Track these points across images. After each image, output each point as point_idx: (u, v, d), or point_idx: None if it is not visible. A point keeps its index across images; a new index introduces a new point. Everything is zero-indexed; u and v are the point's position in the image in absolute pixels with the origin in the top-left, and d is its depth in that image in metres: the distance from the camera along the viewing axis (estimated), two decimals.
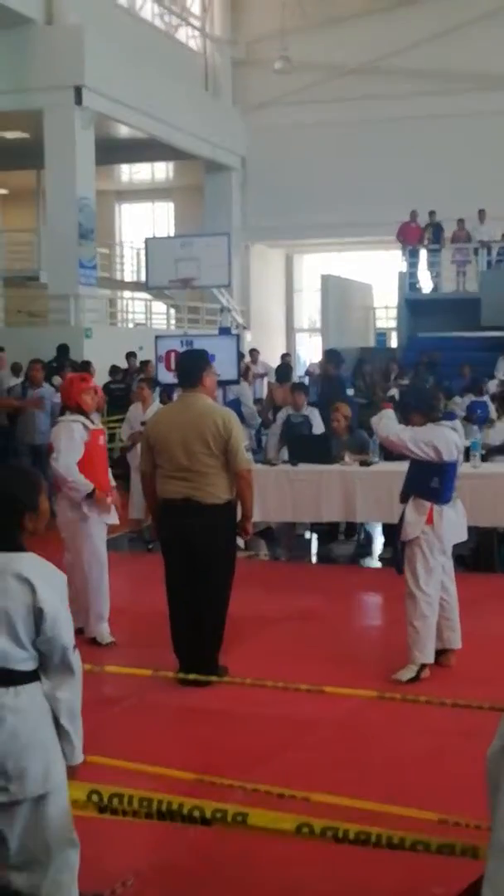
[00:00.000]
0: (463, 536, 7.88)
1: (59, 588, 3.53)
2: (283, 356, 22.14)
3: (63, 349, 18.34)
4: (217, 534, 7.06)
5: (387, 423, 7.38)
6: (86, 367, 17.01)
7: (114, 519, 8.30)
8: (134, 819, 3.77)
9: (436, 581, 7.35)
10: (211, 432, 6.93)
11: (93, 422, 8.16)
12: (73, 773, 3.63)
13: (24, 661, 3.46)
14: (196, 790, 4.52)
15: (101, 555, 8.13)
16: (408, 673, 7.26)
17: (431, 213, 25.28)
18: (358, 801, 4.37)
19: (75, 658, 3.54)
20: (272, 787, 4.46)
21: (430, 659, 7.34)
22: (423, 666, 7.30)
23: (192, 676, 6.57)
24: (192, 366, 7.29)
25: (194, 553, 7.04)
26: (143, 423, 12.42)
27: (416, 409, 7.45)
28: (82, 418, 8.00)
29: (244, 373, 15.62)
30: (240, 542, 11.09)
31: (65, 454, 7.85)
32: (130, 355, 19.85)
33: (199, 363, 7.30)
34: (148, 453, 7.22)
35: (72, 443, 7.87)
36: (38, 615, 3.42)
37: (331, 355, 16.95)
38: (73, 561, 8.03)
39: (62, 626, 3.47)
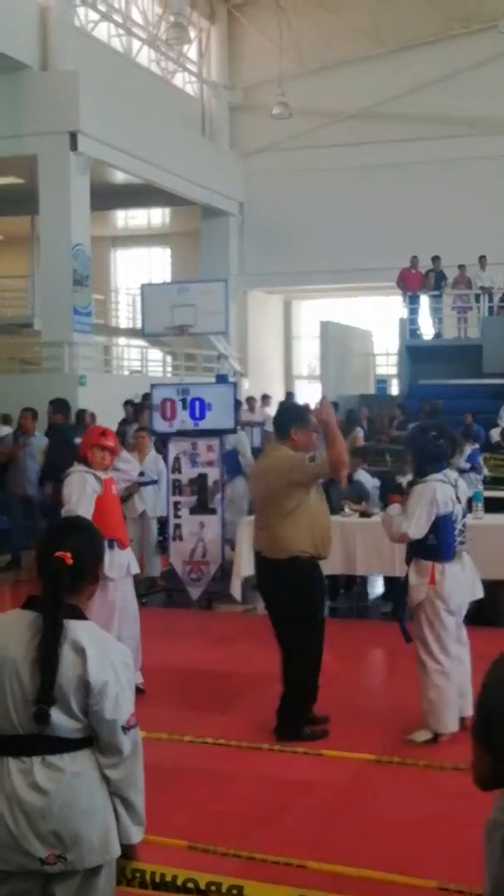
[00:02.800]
0: (476, 594, 7.49)
1: (114, 661, 3.35)
2: (289, 394, 21.89)
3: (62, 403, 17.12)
4: (281, 592, 6.95)
5: (392, 522, 7.06)
6: (81, 415, 16.62)
7: (135, 568, 8.09)
8: (127, 888, 3.58)
9: (448, 646, 7.01)
10: (273, 478, 6.83)
11: (104, 470, 7.86)
12: (126, 852, 3.46)
13: (75, 731, 3.31)
14: (190, 857, 4.54)
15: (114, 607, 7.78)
16: (423, 735, 6.97)
17: (435, 259, 25.01)
18: (356, 870, 4.40)
19: (126, 737, 3.34)
20: (268, 856, 4.46)
21: (448, 728, 7.02)
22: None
23: (187, 737, 6.40)
24: (282, 418, 7.21)
25: (269, 609, 7.12)
26: (141, 474, 12.11)
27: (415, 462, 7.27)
28: (93, 470, 7.74)
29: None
30: (237, 595, 10.82)
31: (75, 506, 7.52)
32: (128, 403, 19.43)
33: (288, 417, 7.17)
34: None
35: (84, 496, 7.59)
36: (86, 687, 3.27)
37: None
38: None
39: (109, 701, 3.29)
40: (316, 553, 6.96)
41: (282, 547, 6.85)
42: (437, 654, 6.94)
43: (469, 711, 7.17)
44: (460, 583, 7.07)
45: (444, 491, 6.97)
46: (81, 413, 16.70)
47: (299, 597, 6.95)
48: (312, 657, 7.07)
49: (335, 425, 6.91)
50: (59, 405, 14.40)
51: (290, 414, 7.25)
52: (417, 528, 6.88)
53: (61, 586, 3.36)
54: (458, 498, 7.09)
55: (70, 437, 12.94)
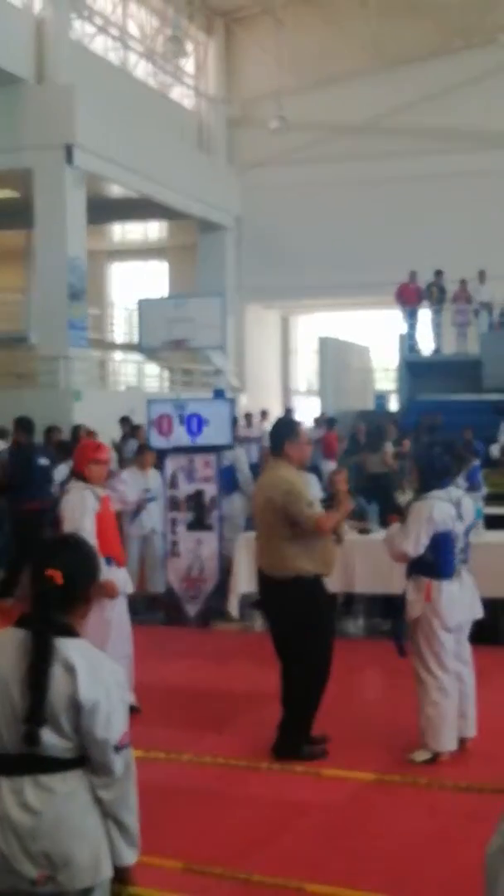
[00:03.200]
0: (477, 614, 7.35)
1: (106, 679, 3.28)
2: (287, 411, 21.74)
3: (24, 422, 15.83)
4: (285, 611, 6.89)
5: (393, 541, 6.96)
6: (76, 431, 16.49)
7: (130, 587, 7.99)
8: None
9: (445, 662, 6.88)
10: (272, 497, 6.79)
11: (101, 485, 7.77)
12: (120, 874, 3.38)
13: (67, 750, 3.25)
14: (186, 879, 4.56)
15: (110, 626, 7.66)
16: (422, 755, 6.81)
17: (438, 274, 24.86)
18: (355, 892, 4.42)
19: (118, 757, 3.28)
20: (265, 878, 4.45)
21: (446, 747, 6.87)
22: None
23: (185, 757, 6.40)
24: (276, 434, 7.23)
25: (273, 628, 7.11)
26: (147, 490, 11.95)
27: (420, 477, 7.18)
28: (91, 486, 7.60)
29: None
30: (234, 612, 10.64)
31: (79, 524, 7.34)
32: (124, 420, 19.29)
33: (282, 431, 7.17)
34: None
35: (86, 513, 7.44)
36: (76, 706, 3.21)
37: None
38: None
39: (100, 721, 3.22)
40: (318, 571, 6.89)
41: (284, 565, 6.79)
42: (434, 669, 6.83)
43: (469, 732, 7.08)
44: (457, 601, 6.95)
45: (442, 508, 6.87)
46: (76, 429, 16.55)
47: (304, 616, 6.88)
48: (318, 676, 7.00)
49: (346, 498, 7.03)
50: (22, 424, 14.20)
51: (283, 429, 7.21)
52: (416, 545, 6.81)
53: (50, 605, 3.29)
54: (460, 515, 6.97)
55: (33, 456, 12.78)
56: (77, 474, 7.72)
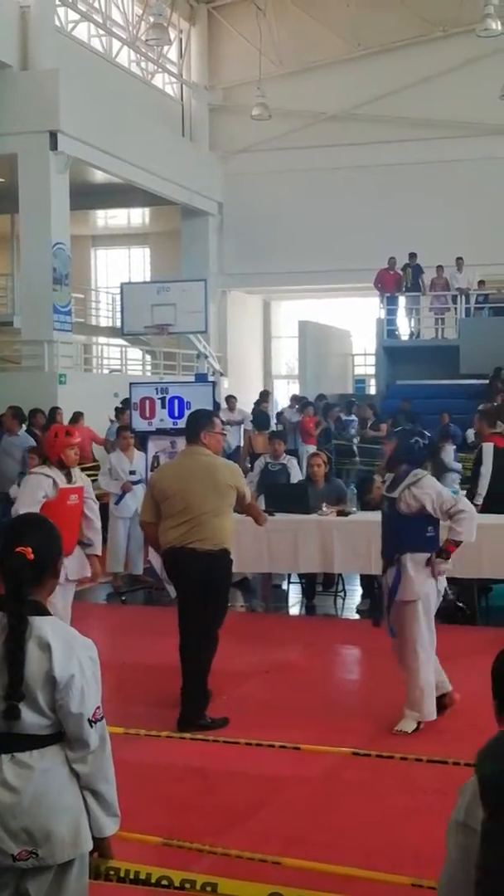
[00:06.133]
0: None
1: (80, 655, 3.36)
2: (264, 393, 21.95)
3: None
4: (211, 580, 7.28)
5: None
6: (52, 414, 16.76)
7: (74, 574, 7.98)
8: (104, 882, 3.58)
9: (434, 638, 7.17)
10: (220, 478, 7.33)
11: (70, 478, 7.82)
12: (99, 846, 3.48)
13: (44, 727, 3.33)
14: (164, 853, 4.52)
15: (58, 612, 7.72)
16: (410, 725, 7.08)
17: (412, 255, 25.19)
18: (330, 866, 4.30)
19: (93, 730, 3.36)
20: (243, 852, 4.38)
21: (433, 716, 7.14)
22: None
23: (164, 733, 6.43)
24: (192, 425, 7.68)
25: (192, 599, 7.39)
26: (132, 472, 12.21)
27: (406, 461, 7.26)
28: (56, 473, 7.71)
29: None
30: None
31: (18, 507, 7.62)
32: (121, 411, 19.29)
33: (198, 424, 7.64)
34: (153, 504, 7.51)
35: (31, 498, 7.59)
36: (52, 682, 3.29)
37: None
38: None
39: (75, 695, 3.30)
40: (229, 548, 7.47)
41: (219, 539, 7.28)
42: (428, 646, 7.07)
43: (450, 685, 7.38)
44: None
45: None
46: (54, 411, 16.78)
47: (226, 586, 7.64)
48: (216, 643, 7.50)
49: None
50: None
51: (201, 420, 7.70)
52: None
53: (24, 582, 3.36)
54: None
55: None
56: (50, 460, 7.83)
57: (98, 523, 8.05)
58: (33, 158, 20.80)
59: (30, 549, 3.40)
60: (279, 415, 22.55)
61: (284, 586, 12.42)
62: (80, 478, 8.02)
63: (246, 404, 21.70)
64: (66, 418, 17.36)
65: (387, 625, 7.32)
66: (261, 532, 10.78)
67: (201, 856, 4.56)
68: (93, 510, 8.01)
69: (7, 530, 3.57)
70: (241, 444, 18.87)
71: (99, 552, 8.09)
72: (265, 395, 22.85)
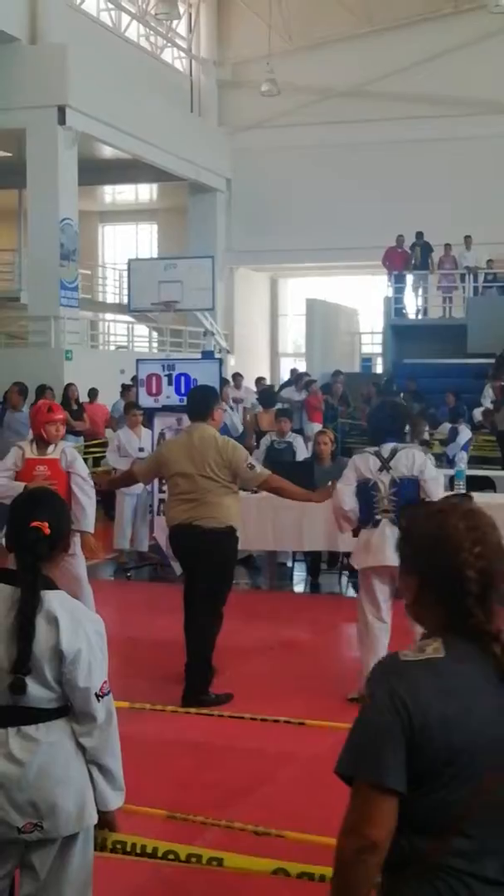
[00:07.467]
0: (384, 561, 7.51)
1: (87, 629, 3.38)
2: (259, 379, 21.82)
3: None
4: (216, 558, 7.33)
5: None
6: (66, 391, 16.79)
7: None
8: (110, 854, 3.59)
9: (366, 606, 7.34)
10: (214, 459, 7.30)
11: (48, 451, 7.91)
12: (105, 819, 3.49)
13: (50, 700, 3.34)
14: (169, 827, 4.53)
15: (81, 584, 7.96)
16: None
17: (419, 234, 25.11)
18: (334, 840, 4.12)
19: (100, 704, 3.36)
20: (247, 825, 4.35)
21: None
22: None
23: (170, 708, 6.41)
24: (205, 402, 7.70)
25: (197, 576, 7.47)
26: (140, 450, 12.22)
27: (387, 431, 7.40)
28: (28, 446, 7.93)
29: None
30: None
31: None
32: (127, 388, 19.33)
33: (210, 400, 7.75)
34: (154, 468, 7.88)
35: (1, 467, 7.93)
36: (59, 656, 3.29)
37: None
38: None
39: (82, 669, 3.31)
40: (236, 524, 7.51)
41: (225, 516, 7.32)
42: (361, 612, 7.32)
43: None
44: (368, 548, 7.19)
45: (364, 459, 7.22)
46: (42, 389, 16.83)
47: (232, 564, 7.72)
48: (221, 620, 7.57)
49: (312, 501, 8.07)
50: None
51: (212, 397, 7.84)
52: (342, 495, 7.21)
53: (40, 556, 3.39)
54: (386, 467, 7.16)
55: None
56: (35, 435, 8.02)
57: (85, 500, 7.88)
58: (41, 133, 20.76)
59: (46, 524, 3.41)
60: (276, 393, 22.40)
61: (289, 564, 12.41)
62: (69, 454, 8.02)
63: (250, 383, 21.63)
64: (82, 395, 17.46)
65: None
66: (266, 510, 10.82)
67: (205, 829, 4.58)
68: (81, 487, 7.90)
69: (18, 505, 3.58)
70: (243, 423, 18.82)
71: (86, 528, 7.90)
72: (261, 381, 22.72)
